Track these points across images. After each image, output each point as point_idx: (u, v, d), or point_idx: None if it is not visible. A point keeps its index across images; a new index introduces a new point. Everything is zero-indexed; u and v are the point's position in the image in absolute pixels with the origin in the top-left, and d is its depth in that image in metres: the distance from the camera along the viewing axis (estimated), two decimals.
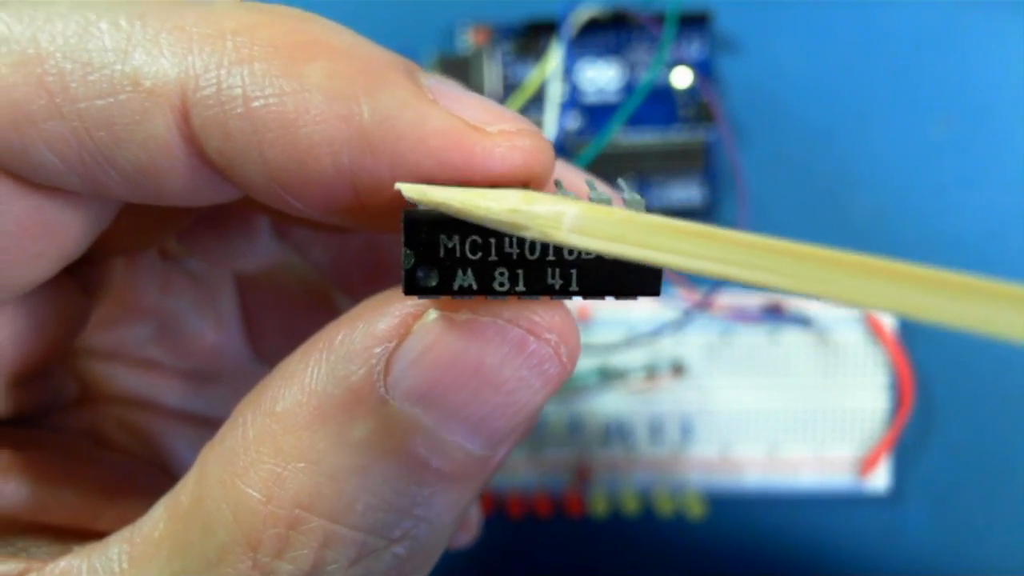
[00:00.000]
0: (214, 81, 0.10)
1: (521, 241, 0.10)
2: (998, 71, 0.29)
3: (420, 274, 0.10)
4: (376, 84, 0.11)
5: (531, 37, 0.29)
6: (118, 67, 0.10)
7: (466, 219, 0.10)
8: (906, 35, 0.29)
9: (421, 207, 0.10)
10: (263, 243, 0.18)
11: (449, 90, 0.11)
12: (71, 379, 0.17)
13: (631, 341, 0.28)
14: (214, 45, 0.11)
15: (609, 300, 0.11)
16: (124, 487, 0.15)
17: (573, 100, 0.29)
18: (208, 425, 0.12)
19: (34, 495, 0.14)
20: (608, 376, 0.29)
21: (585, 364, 0.29)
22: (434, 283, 0.10)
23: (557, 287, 0.11)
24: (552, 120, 0.29)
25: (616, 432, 0.29)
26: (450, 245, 0.10)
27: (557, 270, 0.11)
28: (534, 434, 0.29)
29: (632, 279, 0.11)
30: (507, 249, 0.10)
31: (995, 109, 0.29)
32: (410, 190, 0.10)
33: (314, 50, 0.11)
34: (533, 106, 0.29)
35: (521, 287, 0.11)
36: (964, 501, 0.31)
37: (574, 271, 0.11)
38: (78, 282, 0.15)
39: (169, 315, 0.18)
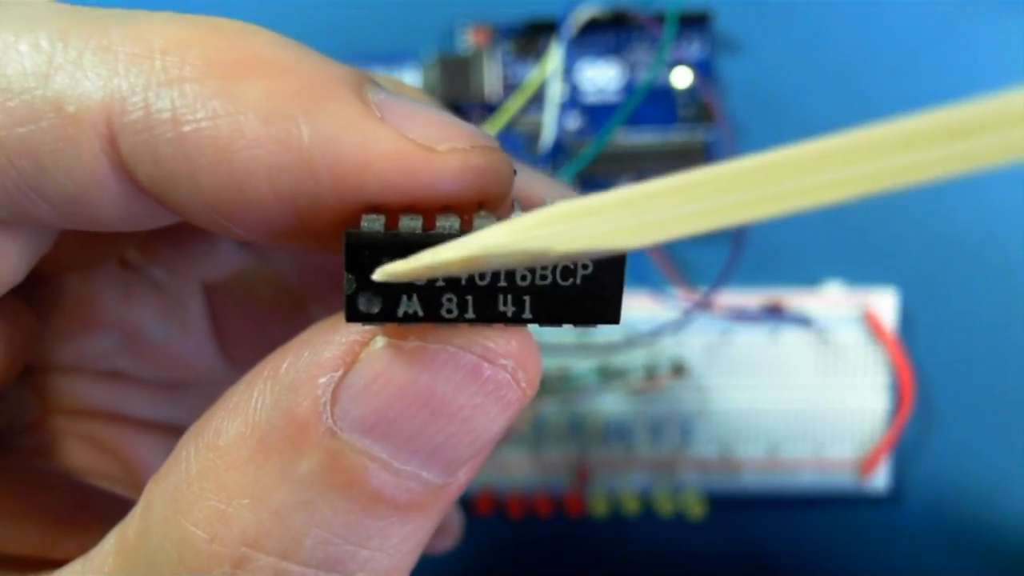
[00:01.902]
0: (141, 104, 0.10)
1: None
2: (998, 71, 0.29)
3: (362, 300, 0.10)
4: (317, 103, 0.10)
5: (531, 37, 0.29)
6: (39, 92, 0.10)
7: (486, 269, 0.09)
8: (906, 35, 0.29)
9: (366, 229, 0.10)
10: (225, 251, 0.17)
11: (399, 105, 0.11)
12: (31, 396, 0.17)
13: (631, 341, 0.28)
14: (141, 65, 0.10)
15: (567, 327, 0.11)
16: (83, 512, 0.15)
17: (573, 100, 0.29)
18: (181, 435, 0.12)
19: None
20: (608, 376, 0.29)
21: (585, 364, 0.29)
22: (377, 310, 0.10)
23: (509, 314, 0.10)
24: (552, 120, 0.29)
25: (616, 432, 0.29)
26: None
27: (509, 296, 0.10)
28: (534, 434, 0.29)
29: (590, 306, 0.10)
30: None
31: None
32: (396, 269, 0.09)
33: (251, 67, 0.10)
34: (533, 106, 0.29)
35: (471, 314, 0.10)
36: (964, 501, 0.31)
37: (527, 298, 0.10)
38: (26, 302, 0.15)
39: (133, 325, 0.17)
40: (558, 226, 0.09)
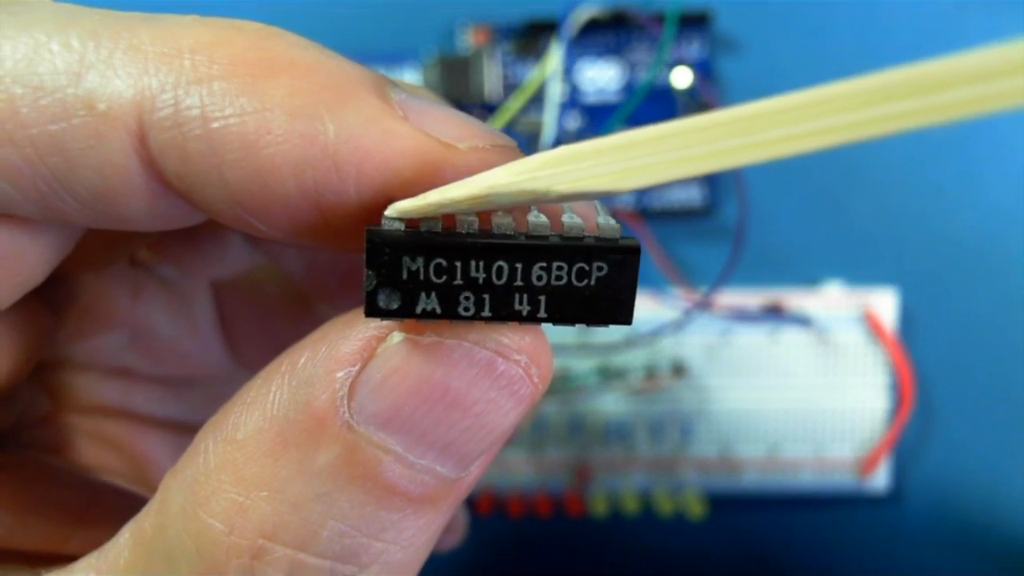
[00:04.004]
0: (171, 102, 0.10)
1: (488, 265, 0.10)
2: None
3: (382, 296, 0.10)
4: (341, 101, 0.10)
5: (531, 37, 0.29)
6: (71, 90, 0.10)
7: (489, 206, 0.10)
8: (906, 35, 0.29)
9: (387, 227, 0.10)
10: (235, 250, 0.18)
11: (420, 105, 0.11)
12: (41, 393, 0.17)
13: (631, 341, 0.28)
14: (171, 64, 0.10)
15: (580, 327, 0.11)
16: (93, 507, 0.15)
17: (573, 100, 0.29)
18: (188, 431, 0.12)
19: (1, 522, 0.13)
20: (608, 376, 0.29)
21: (585, 364, 0.29)
22: (396, 306, 0.10)
23: (524, 313, 0.10)
24: (552, 120, 0.29)
25: (616, 432, 0.29)
26: (413, 268, 0.10)
27: (525, 296, 0.10)
28: (534, 434, 0.29)
29: (603, 306, 0.10)
30: (473, 273, 0.10)
31: None
32: (407, 206, 0.10)
33: (276, 67, 0.10)
34: (533, 106, 0.29)
35: (487, 312, 0.10)
36: (964, 501, 0.31)
37: (543, 297, 0.10)
38: (43, 301, 0.15)
39: (142, 322, 0.18)
40: (559, 167, 0.09)
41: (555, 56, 0.29)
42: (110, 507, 0.15)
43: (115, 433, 0.17)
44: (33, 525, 0.14)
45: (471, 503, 0.30)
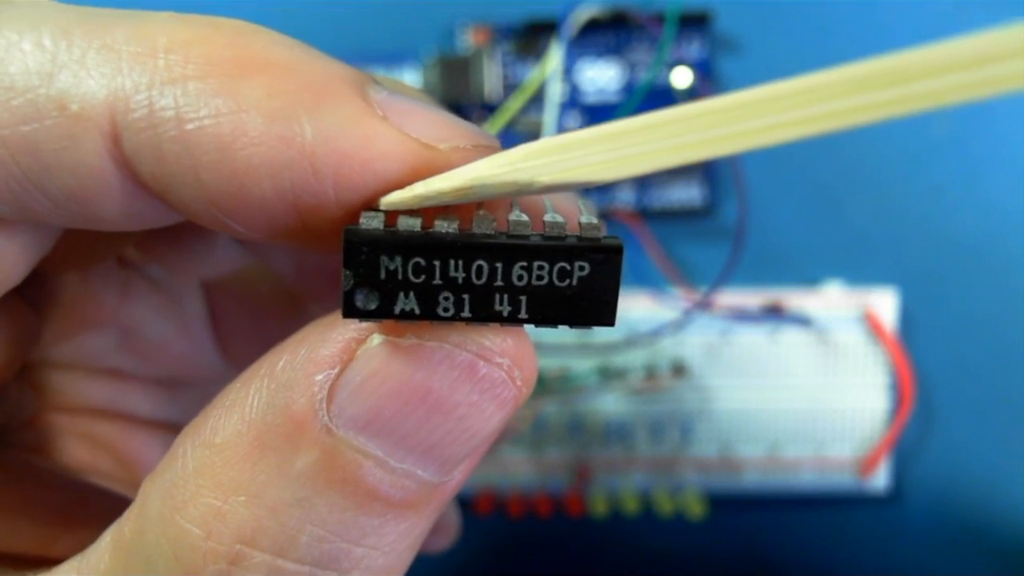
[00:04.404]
0: (145, 103, 0.10)
1: (467, 265, 0.10)
2: None
3: (359, 297, 0.10)
4: (319, 101, 0.10)
5: (531, 37, 0.29)
6: (43, 91, 0.10)
7: (470, 199, 0.10)
8: (906, 35, 0.29)
9: (365, 227, 0.10)
10: (224, 250, 0.18)
11: (402, 104, 0.11)
12: (29, 393, 0.17)
13: (631, 341, 0.28)
14: (145, 64, 0.10)
15: (562, 328, 0.11)
16: (80, 509, 0.15)
17: (573, 100, 0.29)
18: (179, 432, 0.12)
19: None
20: (608, 376, 0.29)
21: (585, 364, 0.29)
22: (374, 306, 0.10)
23: (505, 314, 0.10)
24: (552, 120, 0.29)
25: (616, 432, 0.29)
26: (392, 267, 0.10)
27: (506, 296, 0.10)
28: (534, 434, 0.29)
29: (586, 307, 0.10)
30: (452, 273, 0.10)
31: (995, 109, 0.29)
32: (394, 198, 0.10)
33: (253, 66, 0.10)
34: (533, 106, 0.29)
35: (467, 313, 0.10)
36: (964, 501, 0.31)
37: (523, 298, 0.10)
38: (26, 300, 0.15)
39: (131, 322, 0.18)
40: (544, 158, 0.09)
41: (555, 56, 0.29)
42: (97, 509, 0.14)
43: (105, 434, 0.17)
44: (20, 527, 0.14)
45: (470, 503, 0.30)
